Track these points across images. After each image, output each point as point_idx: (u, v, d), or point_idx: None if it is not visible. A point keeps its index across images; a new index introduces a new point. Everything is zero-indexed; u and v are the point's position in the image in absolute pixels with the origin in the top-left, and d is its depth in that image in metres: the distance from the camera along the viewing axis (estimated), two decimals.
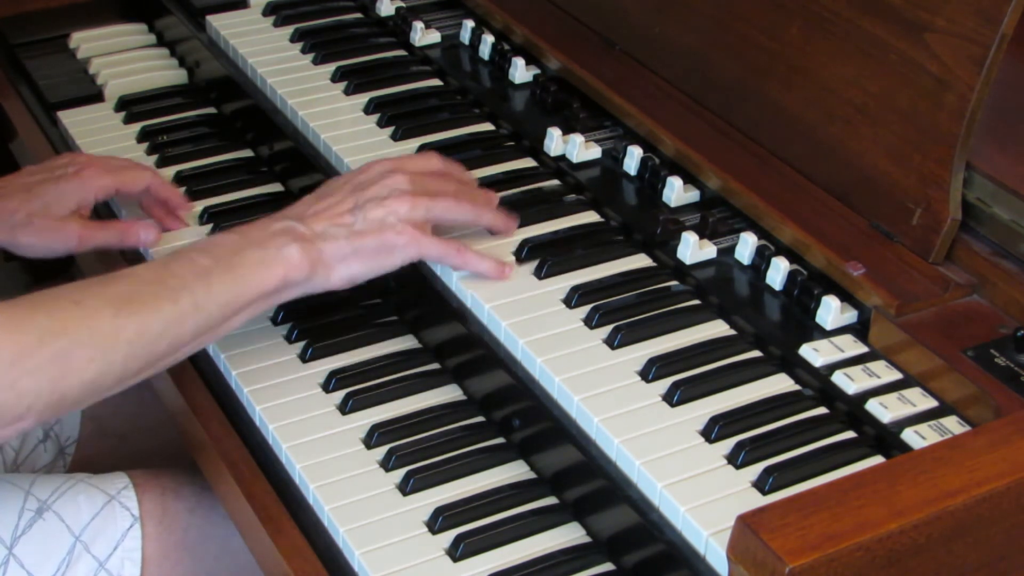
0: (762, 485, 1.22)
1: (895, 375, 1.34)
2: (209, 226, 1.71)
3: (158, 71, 2.07)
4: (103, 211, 1.76)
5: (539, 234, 1.55)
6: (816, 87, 1.53)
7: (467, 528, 1.30)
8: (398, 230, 1.44)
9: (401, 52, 1.94)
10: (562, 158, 1.67)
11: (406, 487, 1.35)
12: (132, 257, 1.68)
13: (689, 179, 1.59)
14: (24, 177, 1.65)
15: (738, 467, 1.24)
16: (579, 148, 1.66)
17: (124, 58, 2.09)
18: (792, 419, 1.30)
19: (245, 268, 1.38)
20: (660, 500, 1.23)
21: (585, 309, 1.43)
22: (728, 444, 1.27)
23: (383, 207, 1.44)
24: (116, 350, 1.29)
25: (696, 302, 1.46)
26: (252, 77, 1.89)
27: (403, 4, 2.02)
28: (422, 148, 1.69)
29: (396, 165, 1.50)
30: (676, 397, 1.32)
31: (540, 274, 1.49)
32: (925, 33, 1.42)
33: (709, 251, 1.51)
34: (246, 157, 1.88)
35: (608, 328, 1.40)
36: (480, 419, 1.44)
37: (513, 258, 1.50)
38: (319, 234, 1.42)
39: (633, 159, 1.64)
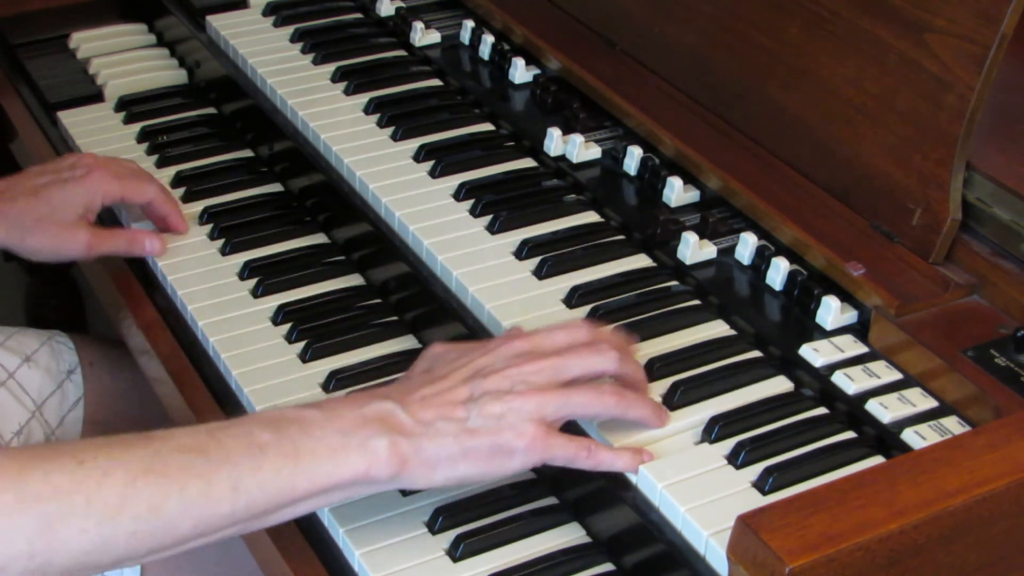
0: (762, 485, 1.22)
1: (895, 375, 1.34)
2: (209, 226, 1.71)
3: (158, 71, 2.07)
4: (105, 216, 1.75)
5: (539, 234, 1.55)
6: (816, 87, 1.53)
7: (467, 528, 1.30)
8: (519, 431, 1.21)
9: (401, 52, 1.94)
10: (562, 158, 1.67)
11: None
12: (133, 262, 1.68)
13: (689, 179, 1.59)
14: (30, 179, 1.64)
15: (738, 467, 1.24)
16: (579, 148, 1.66)
17: (124, 58, 2.09)
18: (792, 419, 1.30)
19: (313, 455, 1.16)
20: (660, 500, 1.23)
21: (585, 309, 1.43)
22: (728, 444, 1.27)
23: (503, 403, 1.21)
24: (118, 525, 1.11)
25: (696, 302, 1.46)
26: (252, 77, 1.89)
27: (403, 4, 2.02)
28: (422, 148, 1.69)
29: (529, 345, 1.27)
30: (676, 397, 1.32)
31: (540, 274, 1.49)
32: (925, 33, 1.42)
33: (709, 251, 1.51)
34: (246, 157, 1.88)
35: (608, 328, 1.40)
36: None
37: (651, 452, 1.26)
38: (423, 427, 1.20)
39: (633, 159, 1.64)
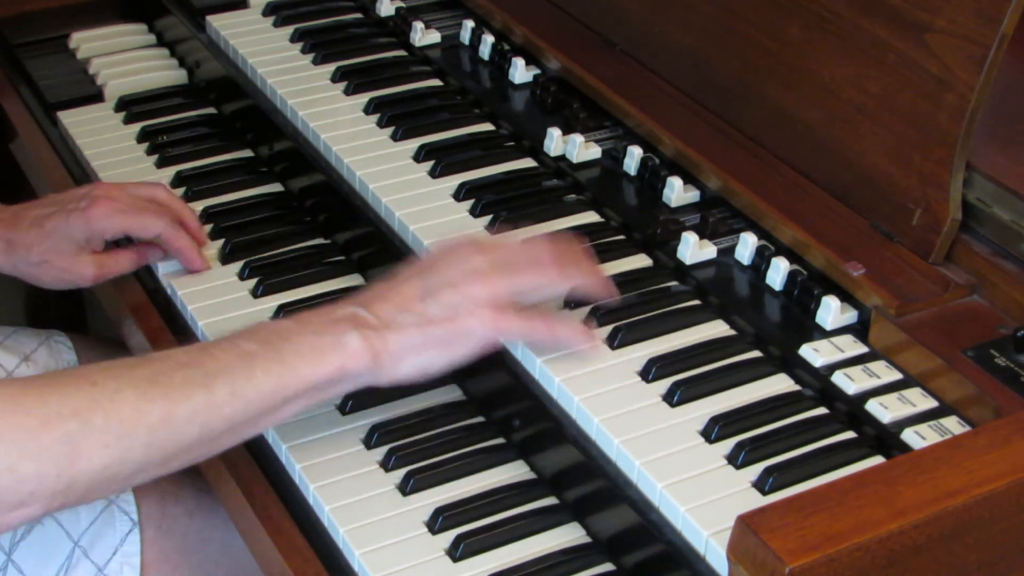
0: (762, 485, 1.22)
1: (895, 375, 1.34)
2: (209, 227, 1.71)
3: (158, 71, 2.07)
4: None
5: (540, 234, 1.55)
6: (816, 87, 1.53)
7: (467, 528, 1.30)
8: (473, 314, 1.31)
9: (401, 52, 1.94)
10: (562, 158, 1.67)
11: (406, 487, 1.35)
12: (142, 274, 1.68)
13: (689, 179, 1.59)
14: (39, 208, 1.62)
15: (738, 467, 1.24)
16: (579, 148, 1.66)
17: (124, 58, 2.09)
18: (792, 419, 1.30)
19: (296, 356, 1.26)
20: (660, 500, 1.23)
21: (585, 309, 1.43)
22: (728, 444, 1.27)
23: (456, 291, 1.32)
24: (135, 437, 1.18)
25: (696, 302, 1.46)
26: (252, 77, 1.89)
27: (403, 4, 2.02)
28: (422, 148, 1.69)
29: (475, 247, 1.38)
30: (676, 397, 1.32)
31: None
32: (925, 33, 1.42)
33: (709, 251, 1.51)
34: (246, 157, 1.88)
35: (608, 328, 1.40)
36: (480, 419, 1.44)
37: (597, 331, 1.39)
38: (386, 322, 1.30)
39: (633, 159, 1.64)
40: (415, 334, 1.30)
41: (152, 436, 1.19)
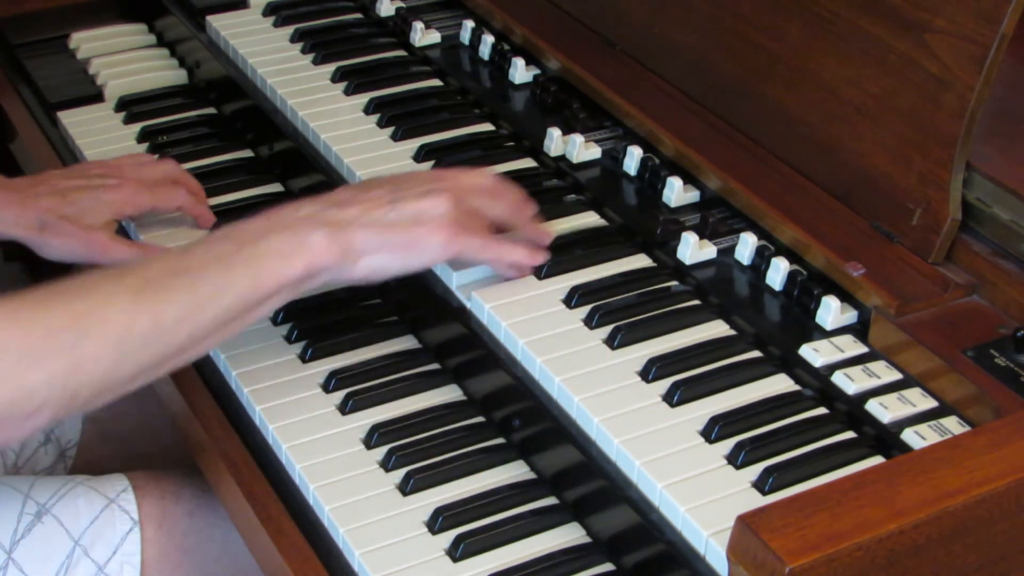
0: (762, 485, 1.22)
1: (895, 375, 1.34)
2: (209, 227, 1.71)
3: (158, 71, 2.07)
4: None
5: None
6: (816, 87, 1.53)
7: (467, 528, 1.30)
8: (432, 227, 1.39)
9: (401, 52, 1.94)
10: (562, 158, 1.67)
11: (406, 487, 1.35)
12: None
13: (689, 179, 1.59)
14: (58, 180, 1.63)
15: (738, 467, 1.24)
16: (579, 148, 1.66)
17: (124, 58, 2.09)
18: (792, 419, 1.30)
19: (266, 257, 1.32)
20: (660, 500, 1.23)
21: (585, 309, 1.43)
22: (728, 444, 1.27)
23: (419, 203, 1.39)
24: (130, 342, 1.24)
25: (696, 302, 1.46)
26: (252, 77, 1.89)
27: (403, 4, 2.02)
28: (422, 148, 1.69)
29: (443, 172, 1.48)
30: (676, 397, 1.32)
31: (540, 274, 1.49)
32: (925, 33, 1.42)
33: (709, 251, 1.51)
34: (246, 157, 1.88)
35: (608, 328, 1.40)
36: (480, 419, 1.44)
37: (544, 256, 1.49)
38: (349, 221, 1.36)
39: (633, 159, 1.64)
40: (374, 235, 1.36)
41: (145, 341, 1.25)
